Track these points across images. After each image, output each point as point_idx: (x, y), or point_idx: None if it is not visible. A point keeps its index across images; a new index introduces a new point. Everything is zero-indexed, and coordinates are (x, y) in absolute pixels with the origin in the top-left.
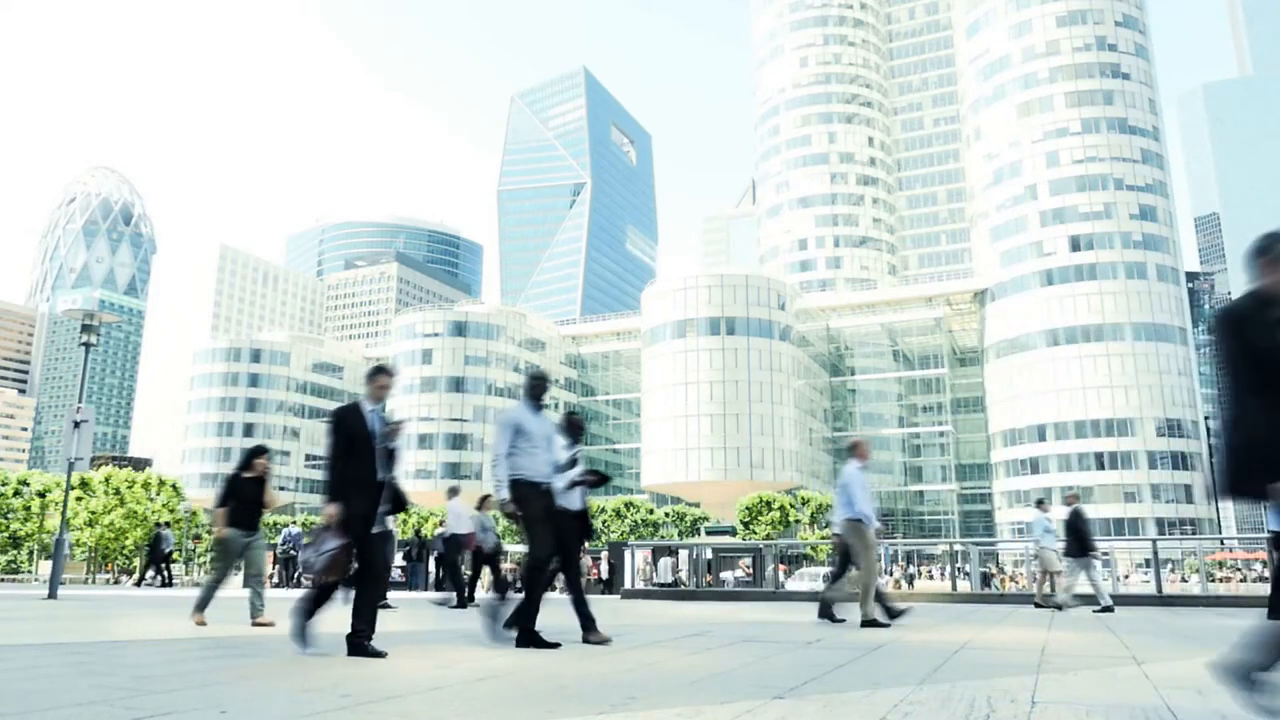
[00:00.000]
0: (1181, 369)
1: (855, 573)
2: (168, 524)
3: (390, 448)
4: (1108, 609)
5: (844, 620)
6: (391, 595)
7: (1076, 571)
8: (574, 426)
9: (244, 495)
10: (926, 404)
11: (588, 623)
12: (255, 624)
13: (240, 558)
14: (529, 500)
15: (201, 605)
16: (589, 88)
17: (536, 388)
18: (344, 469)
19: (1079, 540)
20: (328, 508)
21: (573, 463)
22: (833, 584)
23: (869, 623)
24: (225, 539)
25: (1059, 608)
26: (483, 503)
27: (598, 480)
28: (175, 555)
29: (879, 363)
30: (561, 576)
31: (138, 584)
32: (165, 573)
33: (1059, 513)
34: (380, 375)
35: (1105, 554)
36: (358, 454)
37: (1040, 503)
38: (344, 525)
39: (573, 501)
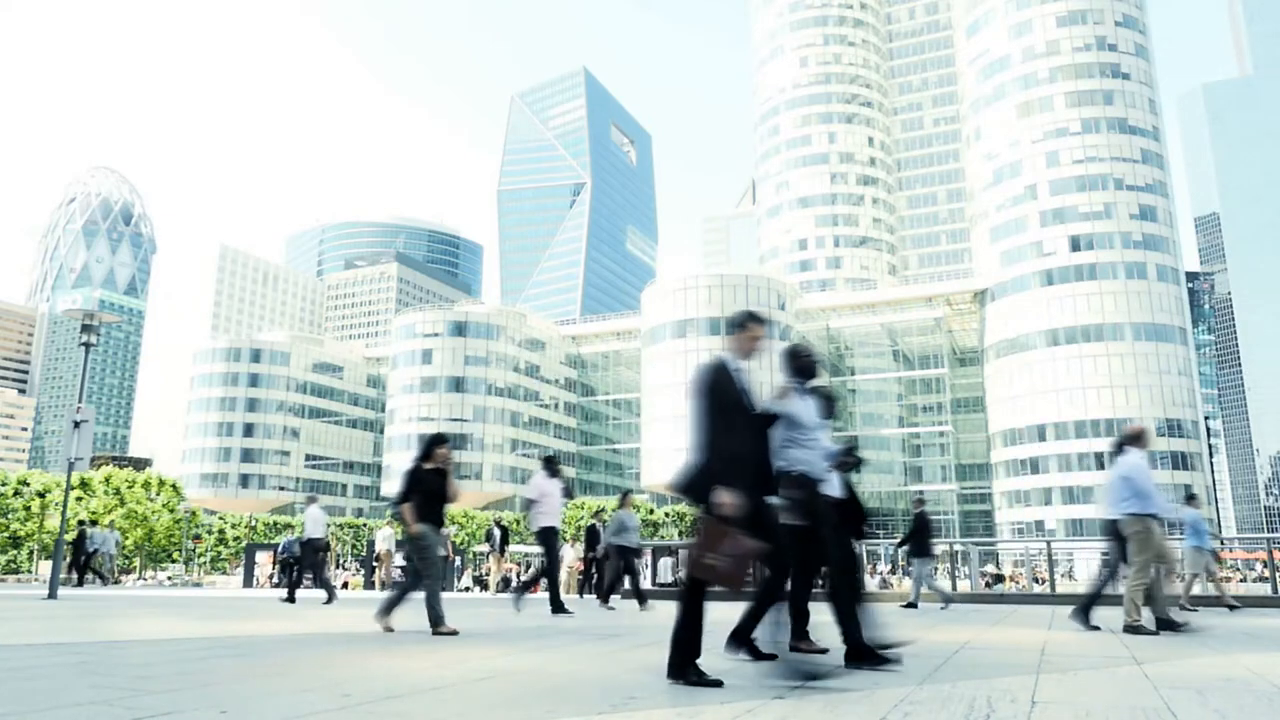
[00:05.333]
0: (1181, 369)
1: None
2: (94, 522)
3: (774, 414)
4: (911, 605)
5: (1153, 628)
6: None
7: (925, 567)
8: (828, 403)
9: (428, 488)
10: (926, 404)
11: (857, 631)
12: (436, 633)
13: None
14: (813, 499)
15: (438, 619)
16: (589, 88)
17: (807, 365)
18: (721, 444)
19: (920, 542)
20: (719, 495)
21: (846, 452)
22: (1101, 586)
23: (1132, 628)
24: (421, 534)
25: (1232, 607)
26: (624, 500)
27: (856, 463)
28: (105, 556)
29: (879, 363)
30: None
31: (79, 584)
32: (84, 571)
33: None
34: (751, 324)
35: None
36: (734, 424)
37: (1192, 498)
38: (746, 519)
39: (834, 489)
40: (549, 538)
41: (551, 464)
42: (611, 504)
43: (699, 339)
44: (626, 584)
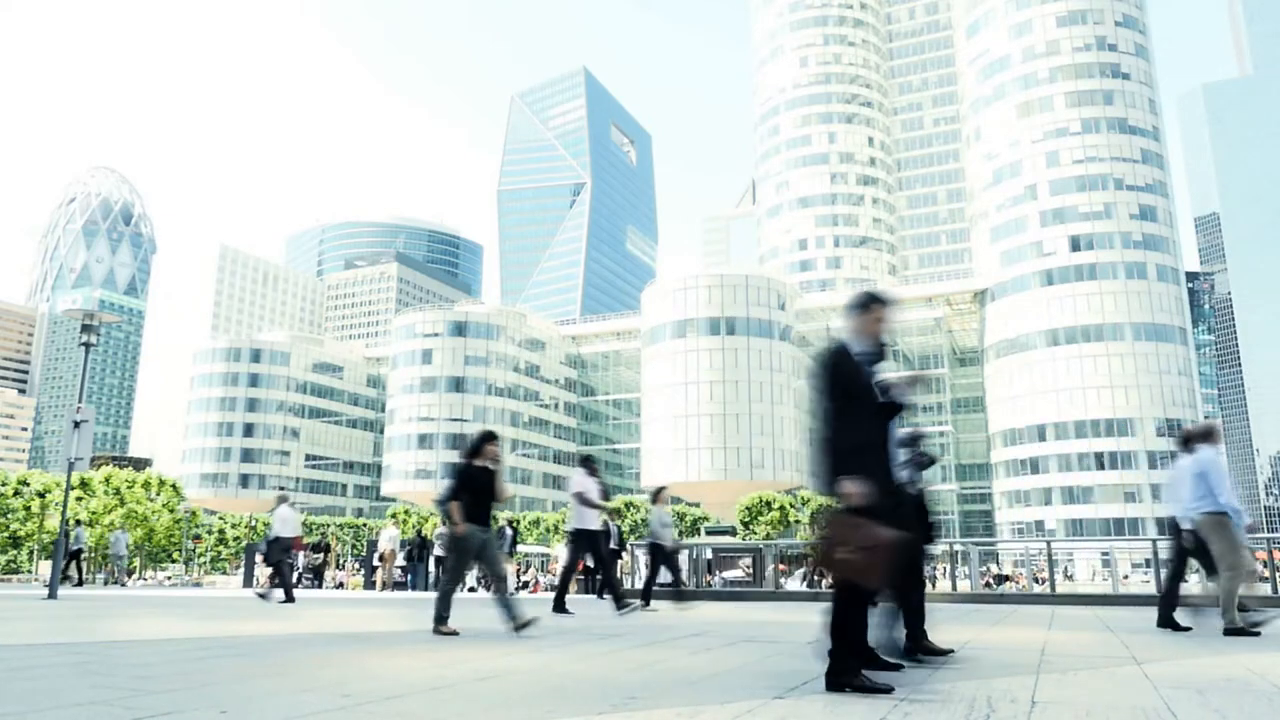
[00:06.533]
0: (1181, 369)
1: (1218, 575)
2: (80, 522)
3: (899, 403)
4: None
5: (1190, 629)
6: (391, 595)
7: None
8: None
9: (477, 486)
10: (926, 404)
11: (918, 632)
12: (437, 631)
13: (477, 558)
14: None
15: (442, 618)
16: (589, 88)
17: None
18: (846, 432)
19: None
20: (844, 486)
21: (913, 440)
22: (1171, 586)
23: (1233, 630)
24: (466, 536)
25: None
26: (657, 496)
27: (929, 462)
28: (86, 554)
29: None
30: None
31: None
32: (78, 572)
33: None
34: (874, 305)
35: (1105, 554)
36: (858, 412)
37: None
38: (874, 510)
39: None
40: (578, 539)
41: (589, 463)
42: (613, 504)
43: (699, 339)
44: (612, 580)
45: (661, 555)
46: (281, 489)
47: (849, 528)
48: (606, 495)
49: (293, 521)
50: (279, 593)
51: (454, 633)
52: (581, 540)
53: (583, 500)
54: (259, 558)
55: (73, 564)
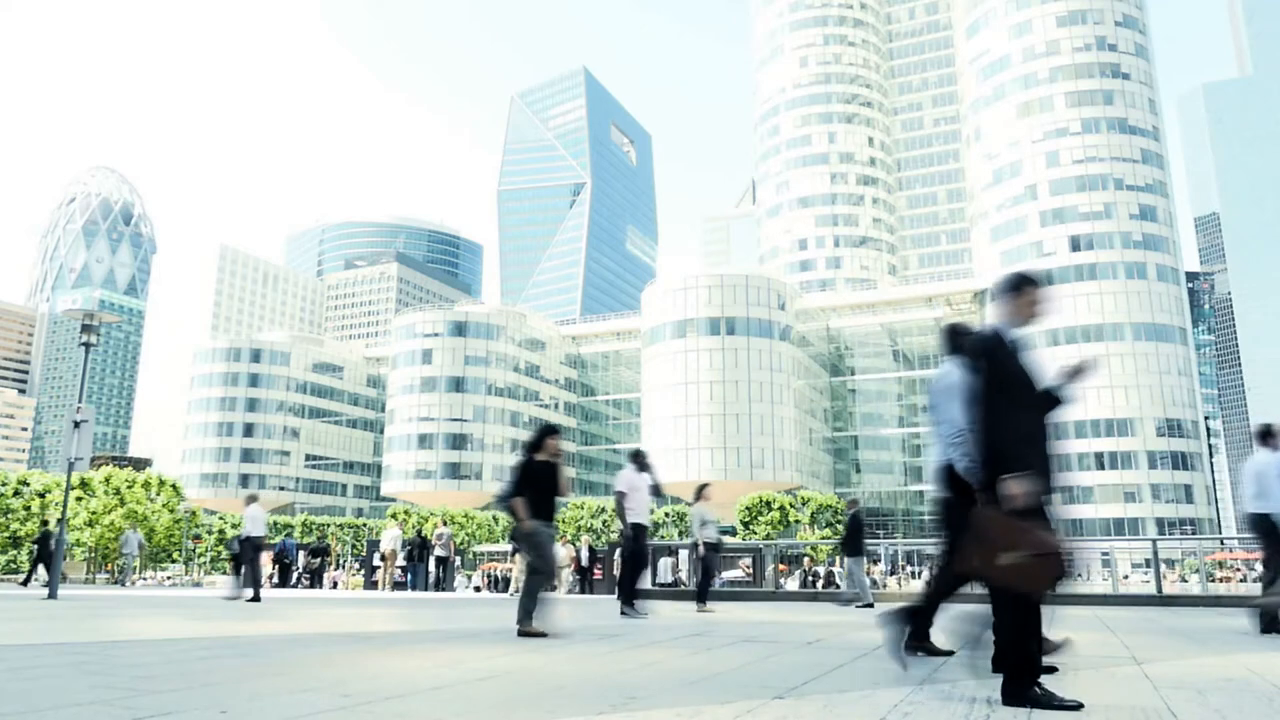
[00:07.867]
0: (1181, 369)
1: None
2: (60, 523)
3: (1062, 396)
4: (868, 605)
5: None
6: (392, 595)
7: (858, 566)
8: None
9: (539, 481)
10: (927, 404)
11: (923, 631)
12: (523, 633)
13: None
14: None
15: (529, 615)
16: (589, 88)
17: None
18: (1005, 425)
19: (854, 542)
20: (1009, 485)
21: None
22: (1269, 588)
23: (1265, 617)
24: (535, 531)
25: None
26: (700, 493)
27: None
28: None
29: (879, 363)
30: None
31: (24, 584)
32: (41, 569)
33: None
34: (1027, 287)
35: (1105, 554)
36: (1018, 402)
37: None
38: (1036, 511)
39: None
40: (640, 535)
41: (640, 458)
42: (614, 504)
43: (699, 339)
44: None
45: (709, 553)
46: (282, 488)
47: (1016, 532)
48: (658, 490)
49: (261, 520)
50: (248, 590)
51: (544, 633)
52: (640, 533)
53: (619, 500)
54: (264, 557)
55: (41, 565)
